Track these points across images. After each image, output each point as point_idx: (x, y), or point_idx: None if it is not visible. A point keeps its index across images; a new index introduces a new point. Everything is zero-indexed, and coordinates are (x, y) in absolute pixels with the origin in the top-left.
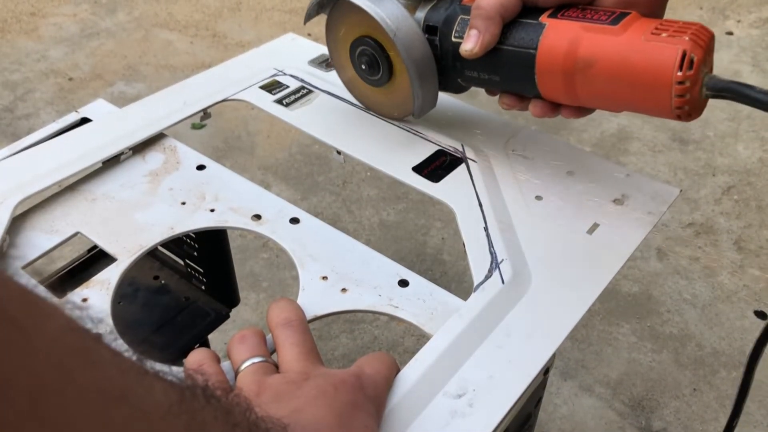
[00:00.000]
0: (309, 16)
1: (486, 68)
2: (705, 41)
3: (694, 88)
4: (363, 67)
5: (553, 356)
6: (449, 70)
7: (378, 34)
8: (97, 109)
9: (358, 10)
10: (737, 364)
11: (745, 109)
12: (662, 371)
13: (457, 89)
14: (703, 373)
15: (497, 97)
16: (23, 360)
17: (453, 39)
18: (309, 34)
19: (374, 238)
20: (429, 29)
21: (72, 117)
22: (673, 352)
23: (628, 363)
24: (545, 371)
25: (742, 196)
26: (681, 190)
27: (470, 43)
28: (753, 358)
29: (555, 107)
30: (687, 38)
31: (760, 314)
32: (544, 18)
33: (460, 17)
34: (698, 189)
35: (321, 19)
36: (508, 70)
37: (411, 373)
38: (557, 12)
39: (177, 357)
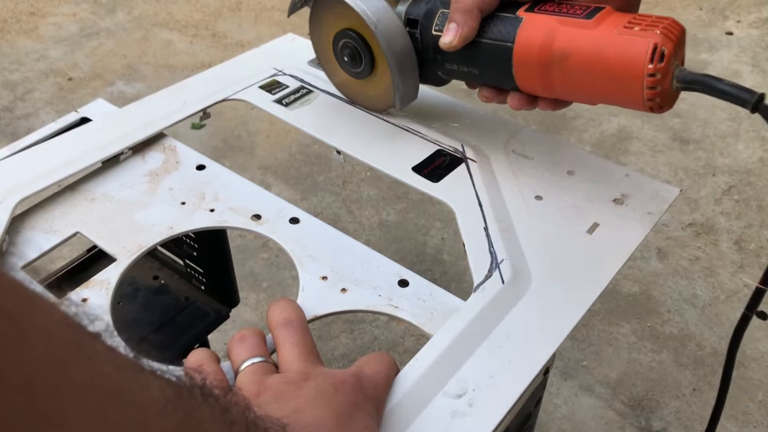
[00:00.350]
0: (293, 9)
1: (465, 61)
2: (676, 35)
3: (665, 81)
4: (346, 59)
5: (553, 356)
6: (430, 62)
7: (360, 26)
8: (96, 108)
9: (341, 2)
10: (737, 364)
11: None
12: (662, 371)
13: (437, 82)
14: (703, 373)
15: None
16: (17, 354)
17: (433, 32)
18: (309, 34)
19: (374, 238)
20: (410, 22)
21: (72, 117)
22: (673, 352)
23: (628, 363)
24: (545, 371)
25: (743, 196)
26: (681, 190)
27: (449, 36)
28: (732, 349)
29: (532, 100)
30: (658, 32)
31: (760, 314)
32: (521, 12)
33: (440, 11)
34: (698, 189)
35: None
36: (487, 63)
37: (411, 373)
38: (534, 6)
39: (177, 357)
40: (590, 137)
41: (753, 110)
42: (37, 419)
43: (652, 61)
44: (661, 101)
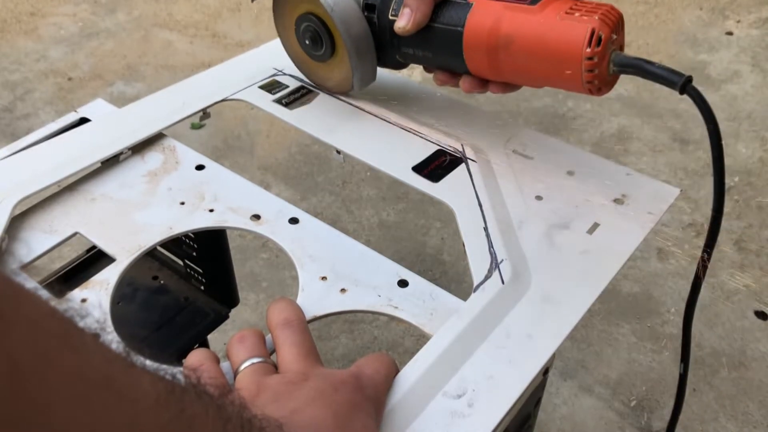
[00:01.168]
0: None
1: (420, 45)
2: (613, 21)
3: (602, 64)
4: (307, 42)
5: (553, 356)
6: (387, 46)
7: (319, 10)
8: (96, 108)
9: None
10: (737, 364)
11: (745, 109)
12: (662, 371)
13: (395, 65)
14: (703, 373)
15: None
16: (1, 341)
17: (389, 16)
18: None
19: (374, 238)
20: (368, 7)
21: (71, 117)
22: (673, 352)
23: (628, 363)
24: (545, 371)
25: (743, 196)
26: (681, 190)
27: (403, 21)
28: (688, 314)
29: (483, 83)
30: (597, 18)
31: (760, 314)
32: None
33: None
34: (698, 189)
35: None
36: (439, 47)
37: (411, 373)
38: None
39: (176, 357)
40: (590, 137)
41: (681, 92)
42: (23, 403)
43: (590, 45)
44: (599, 83)
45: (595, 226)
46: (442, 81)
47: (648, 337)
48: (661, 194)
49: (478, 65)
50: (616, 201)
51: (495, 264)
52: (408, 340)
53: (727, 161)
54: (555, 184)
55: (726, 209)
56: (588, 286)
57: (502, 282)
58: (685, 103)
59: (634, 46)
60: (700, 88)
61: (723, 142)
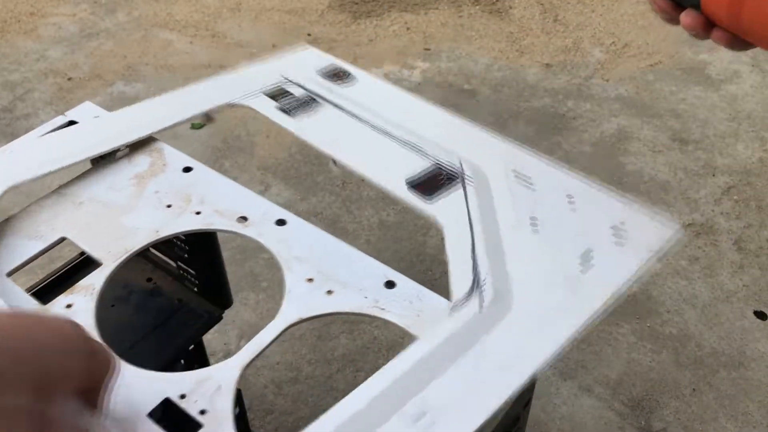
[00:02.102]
0: None
1: None
2: None
3: None
4: None
5: (534, 382)
6: None
7: None
8: (84, 112)
9: None
10: (737, 364)
11: (745, 109)
12: (662, 371)
13: None
14: (702, 373)
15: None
16: None
17: None
18: (309, 34)
19: (374, 239)
20: None
21: (59, 120)
22: (673, 352)
23: (628, 363)
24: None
25: (742, 196)
26: (681, 226)
27: None
28: None
29: (707, 26)
30: None
31: (759, 314)
32: None
33: None
34: (698, 189)
35: (320, 19)
36: None
37: (367, 392)
38: None
39: (170, 359)
40: (590, 137)
41: None
42: None
43: None
44: None
45: (589, 256)
46: (662, 9)
47: (647, 337)
48: (660, 228)
49: (716, 2)
50: (613, 230)
51: (476, 286)
52: (408, 340)
53: (726, 161)
54: (551, 209)
55: (725, 209)
56: (570, 316)
57: (480, 307)
58: (685, 103)
59: (634, 45)
60: (699, 88)
61: (722, 142)
